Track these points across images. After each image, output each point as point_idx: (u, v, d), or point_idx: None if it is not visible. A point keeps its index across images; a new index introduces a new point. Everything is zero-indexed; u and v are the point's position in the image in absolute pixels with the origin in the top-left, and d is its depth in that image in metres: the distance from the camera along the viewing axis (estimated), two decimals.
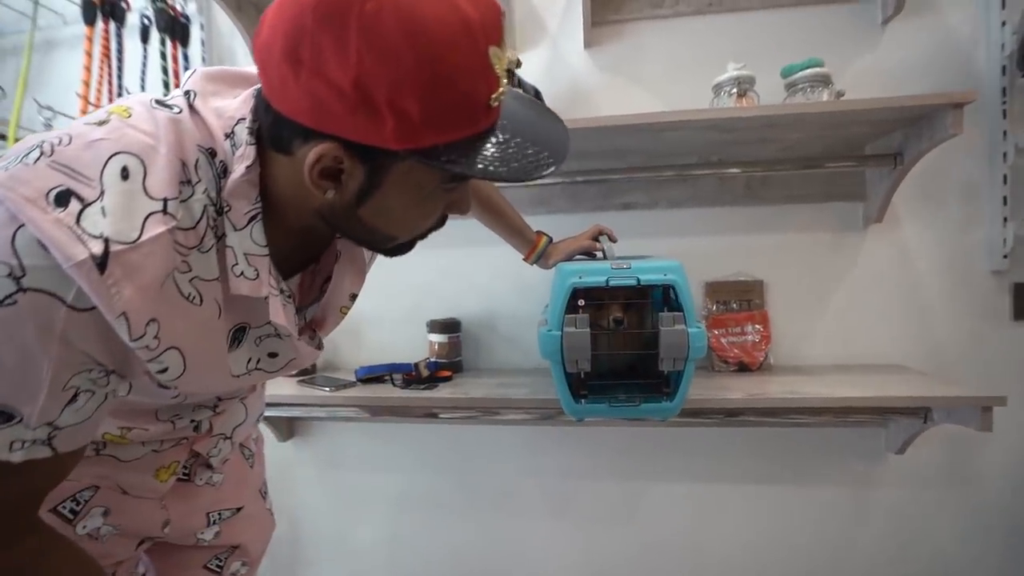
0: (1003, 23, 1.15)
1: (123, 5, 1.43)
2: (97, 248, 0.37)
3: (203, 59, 1.52)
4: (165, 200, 0.41)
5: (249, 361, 0.53)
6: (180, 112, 0.44)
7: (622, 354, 0.89)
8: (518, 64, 1.14)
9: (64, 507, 0.58)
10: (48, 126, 1.40)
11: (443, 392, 1.14)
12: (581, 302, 0.87)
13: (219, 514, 0.74)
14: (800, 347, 1.27)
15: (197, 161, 0.43)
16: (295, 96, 0.40)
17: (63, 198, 0.37)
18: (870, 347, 1.25)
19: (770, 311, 1.26)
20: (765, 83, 1.13)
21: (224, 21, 1.49)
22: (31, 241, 0.37)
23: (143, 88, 1.43)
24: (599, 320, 0.93)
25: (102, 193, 0.38)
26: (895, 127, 1.10)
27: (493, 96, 0.42)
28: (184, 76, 0.52)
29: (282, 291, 0.51)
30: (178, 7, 1.45)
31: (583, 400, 0.91)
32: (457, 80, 0.39)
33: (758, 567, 1.32)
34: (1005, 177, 1.17)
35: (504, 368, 1.36)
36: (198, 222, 0.43)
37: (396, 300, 1.39)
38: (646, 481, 1.35)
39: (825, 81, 1.09)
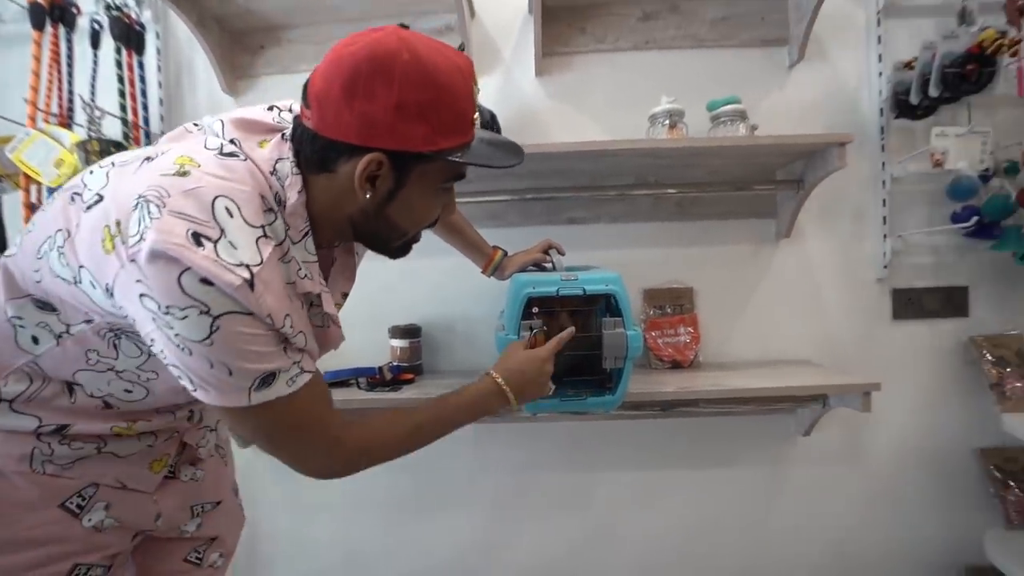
0: (880, 73, 1.38)
1: (73, 10, 1.41)
2: (245, 274, 0.50)
3: (159, 68, 1.51)
4: (263, 227, 0.54)
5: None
6: (245, 159, 0.56)
7: (570, 355, 1.01)
8: (477, 89, 1.24)
9: (71, 503, 0.63)
10: None
11: (406, 394, 1.23)
12: (535, 309, 0.98)
13: (202, 507, 0.81)
14: (725, 346, 1.45)
15: (272, 194, 0.57)
16: (347, 121, 0.55)
17: (197, 238, 0.49)
18: (781, 344, 1.44)
19: (699, 314, 1.43)
20: (693, 114, 1.29)
21: (182, 30, 1.48)
22: (194, 281, 0.48)
23: (93, 95, 1.39)
24: (550, 325, 1.05)
25: (223, 231, 0.50)
26: (797, 158, 1.29)
27: (475, 115, 0.62)
28: (210, 121, 0.61)
29: (321, 281, 0.63)
30: (133, 15, 1.45)
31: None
32: (457, 103, 0.58)
33: (694, 543, 1.48)
34: (884, 201, 1.39)
35: (462, 369, 1.45)
36: (282, 241, 0.57)
37: (359, 307, 1.41)
38: (594, 471, 1.48)
39: (742, 116, 1.27)
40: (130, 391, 0.64)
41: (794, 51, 1.40)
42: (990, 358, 1.39)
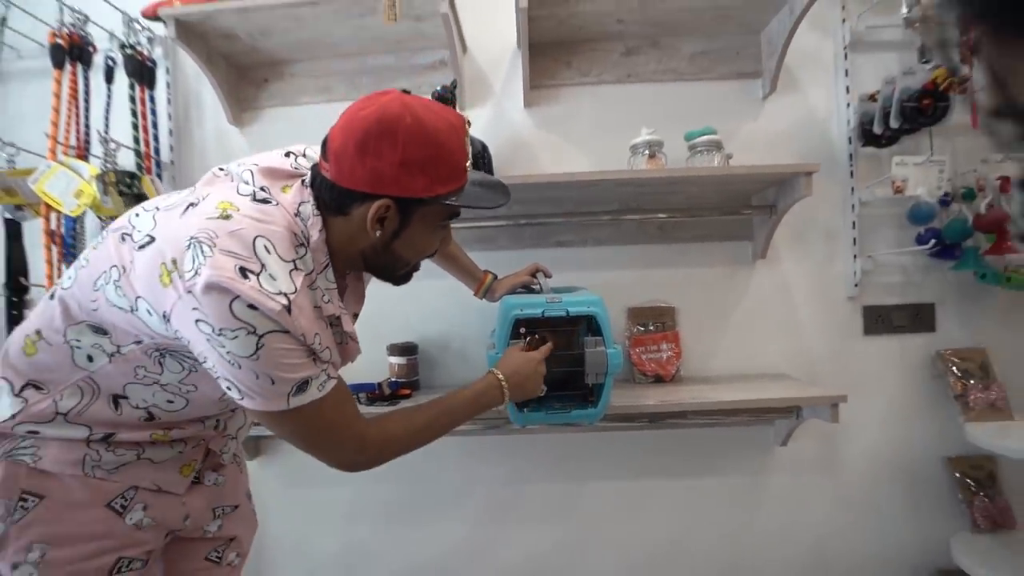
0: (848, 104, 1.47)
1: (90, 49, 1.51)
2: (284, 301, 0.60)
3: (168, 101, 1.60)
4: (294, 260, 0.64)
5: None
6: (276, 204, 0.66)
7: (555, 371, 1.09)
8: (468, 124, 1.33)
9: (116, 503, 0.73)
10: (11, 163, 1.44)
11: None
12: (522, 329, 1.06)
13: (222, 509, 0.89)
14: (705, 361, 1.53)
15: (299, 231, 0.66)
16: (360, 174, 0.65)
17: (244, 272, 0.58)
18: (759, 359, 1.52)
19: (681, 331, 1.51)
20: (672, 143, 1.38)
21: (191, 66, 1.57)
22: (243, 307, 0.58)
23: (107, 128, 1.47)
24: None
25: (263, 265, 0.60)
26: (770, 185, 1.38)
27: (468, 164, 0.72)
28: (238, 170, 0.70)
29: (341, 306, 0.73)
30: (145, 52, 1.54)
31: (525, 410, 1.10)
32: (452, 156, 0.69)
33: (676, 550, 1.55)
34: (854, 223, 1.48)
35: (457, 384, 1.50)
36: (310, 272, 0.67)
37: (360, 327, 1.49)
38: (580, 481, 1.56)
39: (718, 146, 1.36)
40: (172, 401, 0.73)
41: (767, 83, 1.50)
42: (955, 371, 1.47)
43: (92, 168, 1.32)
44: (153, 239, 0.64)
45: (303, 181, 0.70)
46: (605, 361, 1.05)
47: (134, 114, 1.50)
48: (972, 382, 1.46)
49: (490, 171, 1.40)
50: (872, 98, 1.41)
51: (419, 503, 1.56)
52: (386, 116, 0.64)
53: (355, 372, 1.47)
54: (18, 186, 1.38)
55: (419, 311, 1.53)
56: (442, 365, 1.55)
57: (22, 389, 0.70)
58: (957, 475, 1.49)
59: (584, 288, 1.28)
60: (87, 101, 1.48)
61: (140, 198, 1.43)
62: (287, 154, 0.75)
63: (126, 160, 1.47)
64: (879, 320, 1.52)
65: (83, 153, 1.46)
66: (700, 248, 1.53)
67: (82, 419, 0.70)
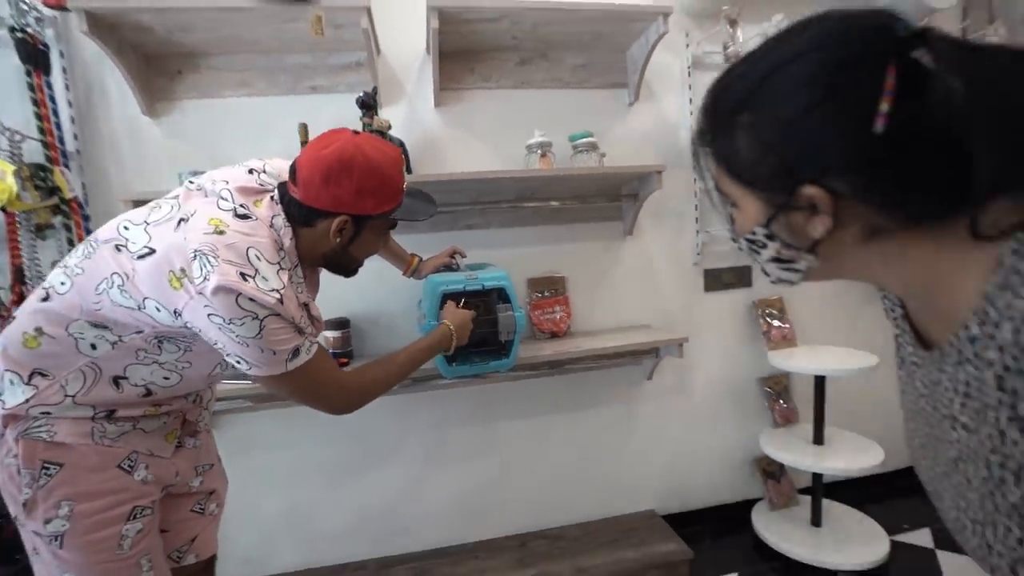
0: (691, 112, 1.89)
1: None
2: (277, 295, 0.79)
3: (66, 87, 1.56)
4: (278, 263, 0.82)
5: None
6: (256, 220, 0.83)
7: (476, 332, 1.37)
8: (388, 127, 1.53)
9: (124, 464, 0.88)
10: None
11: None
12: (448, 301, 1.33)
13: (203, 467, 1.07)
14: (589, 318, 1.92)
15: (274, 243, 0.83)
16: (324, 199, 0.86)
17: (243, 276, 0.75)
18: (629, 314, 1.94)
19: (570, 296, 1.87)
20: (558, 143, 1.70)
21: (88, 50, 1.55)
22: (247, 300, 0.76)
23: None
24: None
25: (257, 270, 0.78)
26: (634, 179, 1.76)
27: (404, 186, 0.94)
28: (213, 188, 0.86)
29: (309, 293, 0.96)
30: (36, 35, 1.49)
31: (453, 364, 1.38)
32: (394, 183, 0.90)
33: (575, 469, 1.96)
34: (696, 206, 1.93)
35: (385, 352, 1.75)
36: (289, 270, 0.85)
37: None
38: (497, 422, 1.89)
39: (594, 147, 1.70)
40: (168, 378, 0.90)
41: (632, 93, 1.86)
42: (763, 315, 2.01)
43: (4, 164, 1.32)
44: (153, 250, 0.79)
45: (272, 197, 0.87)
46: (514, 323, 1.36)
47: (35, 103, 1.47)
48: (774, 322, 2.01)
49: (408, 166, 1.62)
50: None
51: (358, 457, 1.79)
52: (344, 156, 0.84)
53: None
54: None
55: (350, 290, 1.70)
56: (372, 337, 1.77)
57: (30, 377, 0.82)
58: (766, 389, 2.06)
59: (492, 264, 1.57)
60: None
61: (53, 191, 1.45)
62: (250, 171, 0.91)
63: (30, 150, 1.45)
64: (714, 280, 2.01)
65: None
66: (583, 228, 1.88)
67: (87, 400, 0.84)
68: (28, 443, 0.82)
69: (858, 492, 2.10)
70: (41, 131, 1.48)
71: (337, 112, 1.64)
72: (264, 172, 0.93)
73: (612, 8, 1.59)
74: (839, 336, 2.08)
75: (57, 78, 1.54)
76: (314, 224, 0.88)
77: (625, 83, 1.87)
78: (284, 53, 1.64)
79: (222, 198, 0.84)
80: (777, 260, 0.49)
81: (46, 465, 0.82)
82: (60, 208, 1.47)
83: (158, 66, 1.61)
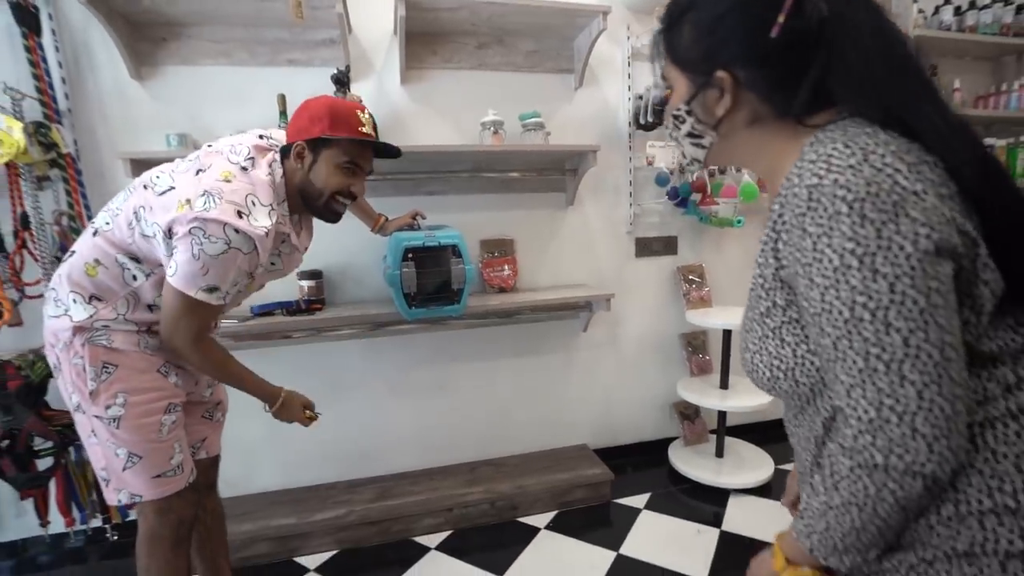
0: (629, 99, 2.15)
1: None
2: (264, 230, 0.99)
3: (56, 48, 1.69)
4: (271, 204, 1.03)
5: (274, 263, 1.16)
6: (257, 171, 1.05)
7: (433, 282, 1.63)
8: (363, 105, 1.73)
9: (161, 369, 1.13)
10: None
11: (319, 316, 1.75)
12: (410, 255, 1.58)
13: (212, 381, 1.31)
14: (534, 276, 2.20)
15: (271, 185, 1.05)
16: (291, 132, 1.10)
17: (239, 214, 0.96)
18: (569, 275, 2.24)
19: (518, 256, 2.14)
20: (509, 122, 1.94)
21: (76, 11, 1.67)
22: (232, 230, 0.96)
23: None
24: (420, 265, 1.65)
25: (251, 212, 0.98)
26: (575, 155, 2.02)
27: (361, 127, 1.10)
28: (238, 148, 1.07)
29: (292, 229, 1.15)
30: None
31: (412, 307, 1.64)
32: (343, 112, 1.08)
33: (517, 407, 2.26)
34: (630, 182, 2.21)
35: (354, 300, 2.00)
36: (279, 204, 1.07)
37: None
38: (451, 364, 2.17)
39: (541, 126, 1.95)
40: None
41: (577, 79, 2.11)
42: (685, 279, 2.34)
43: (11, 120, 1.47)
44: (173, 188, 1.02)
45: (274, 153, 1.11)
46: (464, 274, 1.63)
47: (31, 64, 1.60)
48: (693, 286, 2.34)
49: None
50: (640, 98, 2.10)
51: (329, 392, 2.03)
52: (308, 101, 1.09)
53: (274, 293, 1.89)
54: None
55: (323, 244, 1.93)
56: (341, 287, 2.00)
57: (90, 299, 1.06)
58: (685, 343, 2.41)
59: (449, 226, 1.82)
60: None
61: (51, 147, 1.60)
62: (260, 136, 1.14)
63: (29, 109, 1.60)
64: (644, 247, 2.31)
65: None
66: (531, 197, 2.15)
67: (133, 318, 1.08)
68: (92, 348, 1.06)
69: (760, 435, 2.49)
70: (38, 90, 1.62)
71: (312, 84, 1.82)
72: (271, 138, 1.16)
73: (557, 4, 1.82)
74: None
75: (47, 40, 1.67)
76: (288, 155, 1.10)
77: (572, 69, 2.11)
78: (261, 27, 1.81)
79: (235, 152, 1.06)
80: (691, 135, 0.63)
81: (106, 365, 1.06)
82: (57, 162, 1.62)
83: (143, 32, 1.75)
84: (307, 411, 1.29)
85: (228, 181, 1.00)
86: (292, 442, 2.04)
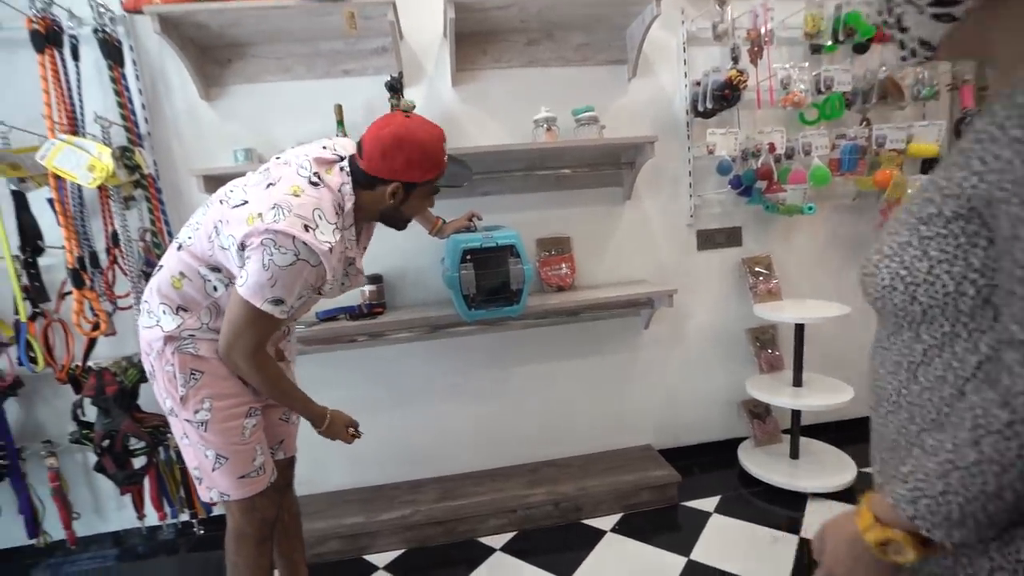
0: (685, 86, 2.07)
1: (56, 28, 1.68)
2: (328, 245, 1.02)
3: (137, 77, 1.82)
4: (335, 223, 1.06)
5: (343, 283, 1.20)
6: (325, 187, 1.07)
7: (492, 283, 1.63)
8: (413, 107, 1.76)
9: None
10: (4, 140, 1.64)
11: (381, 320, 1.79)
12: (468, 257, 1.58)
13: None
14: (592, 274, 2.15)
15: (339, 203, 1.07)
16: (383, 169, 1.09)
17: (306, 228, 0.99)
18: (628, 271, 2.17)
19: (575, 254, 2.10)
20: (563, 117, 1.90)
21: (152, 42, 1.80)
22: (301, 243, 0.99)
23: (81, 103, 1.70)
24: (478, 266, 1.65)
25: (317, 225, 1.01)
26: (631, 148, 1.96)
27: (445, 158, 1.15)
28: (299, 161, 1.10)
29: (358, 253, 1.19)
30: (112, 33, 1.74)
31: (471, 309, 1.64)
32: (436, 156, 1.12)
33: (577, 410, 2.23)
34: (689, 173, 2.12)
35: (414, 304, 2.03)
36: (343, 229, 1.08)
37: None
38: (511, 367, 2.16)
39: (595, 120, 1.90)
40: None
41: (630, 69, 2.04)
42: (751, 271, 2.22)
43: (100, 146, 1.58)
44: (247, 202, 1.06)
45: (341, 167, 1.13)
46: (523, 274, 1.61)
47: (117, 93, 1.73)
48: (761, 278, 2.21)
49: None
50: (698, 84, 2.01)
51: (393, 395, 2.08)
52: (397, 136, 1.07)
53: (338, 299, 1.94)
54: (22, 162, 1.62)
55: (382, 249, 1.97)
56: (401, 290, 2.03)
57: (177, 310, 1.12)
58: (753, 338, 2.29)
59: (505, 226, 1.81)
60: (68, 82, 1.68)
61: (135, 169, 1.72)
62: (323, 147, 1.16)
63: (115, 135, 1.72)
64: (706, 239, 2.21)
65: (73, 129, 1.68)
66: (586, 193, 2.10)
67: (215, 327, 1.13)
68: (181, 355, 1.12)
69: (837, 434, 2.33)
70: (122, 117, 1.74)
71: (367, 93, 1.88)
72: (334, 148, 1.18)
73: None
74: (823, 292, 2.28)
75: (128, 70, 1.80)
76: (374, 188, 1.12)
77: (624, 59, 2.05)
78: (318, 41, 1.86)
79: (302, 167, 1.10)
80: (939, 2, 0.51)
81: (193, 372, 1.13)
82: (140, 183, 1.74)
83: (211, 55, 1.85)
84: (350, 429, 1.35)
85: (296, 195, 1.03)
86: (357, 443, 2.09)
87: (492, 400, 2.17)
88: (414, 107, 1.76)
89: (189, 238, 1.12)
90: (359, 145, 1.12)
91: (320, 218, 1.04)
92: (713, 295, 2.26)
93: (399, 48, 1.86)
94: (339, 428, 1.32)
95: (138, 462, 1.81)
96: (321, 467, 2.08)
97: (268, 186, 1.06)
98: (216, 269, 1.11)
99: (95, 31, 1.69)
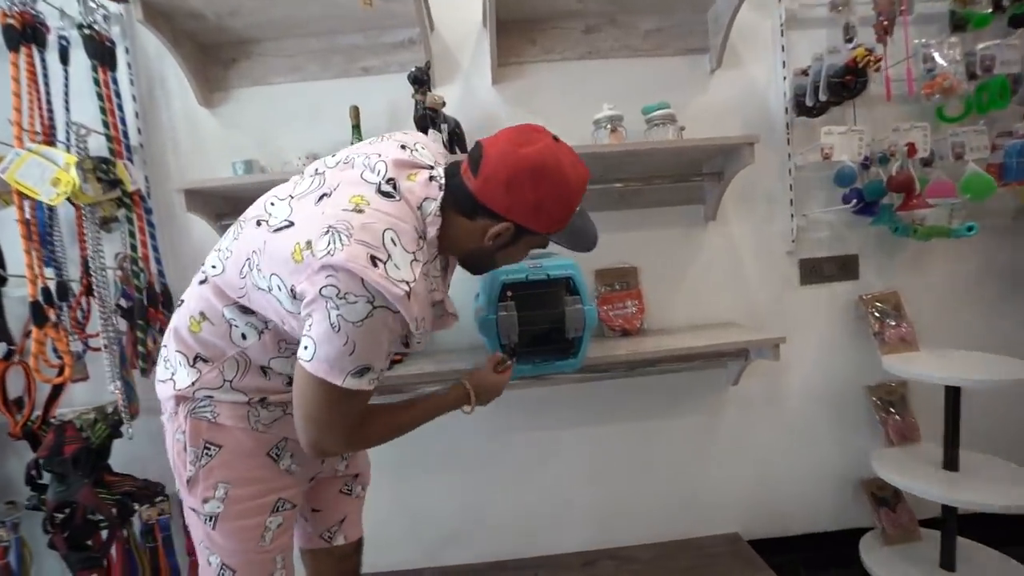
0: (784, 78, 1.63)
1: (42, 29, 1.45)
2: (405, 288, 0.69)
3: (131, 82, 1.58)
4: (414, 252, 0.73)
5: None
6: (400, 199, 0.75)
7: (537, 328, 1.22)
8: (442, 104, 1.41)
9: (272, 452, 0.88)
10: None
11: (398, 371, 1.41)
12: (509, 293, 1.18)
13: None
14: (665, 314, 1.70)
15: (419, 226, 0.76)
16: (500, 200, 0.77)
17: (373, 260, 0.67)
18: (711, 310, 1.71)
19: (643, 288, 1.67)
20: (630, 117, 1.51)
21: (151, 44, 1.56)
22: (373, 287, 0.67)
23: (68, 111, 1.45)
24: (523, 306, 1.25)
25: (389, 256, 0.69)
26: (718, 154, 1.53)
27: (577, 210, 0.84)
28: (369, 162, 0.79)
29: (443, 289, 0.87)
30: (102, 32, 1.51)
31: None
32: (571, 208, 0.81)
33: (646, 483, 1.75)
34: (791, 186, 1.67)
35: (440, 350, 1.64)
36: (425, 262, 0.76)
37: None
38: (560, 429, 1.72)
39: (672, 119, 1.49)
40: None
41: (713, 59, 1.64)
42: (874, 312, 1.71)
43: (69, 156, 1.31)
44: (292, 223, 0.73)
45: (431, 176, 0.79)
46: (583, 317, 1.19)
47: (100, 98, 1.48)
48: (887, 321, 1.70)
49: (463, 147, 1.49)
50: (804, 73, 1.57)
51: (413, 462, 1.69)
52: (538, 165, 0.75)
53: None
54: None
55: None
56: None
57: (194, 361, 0.83)
58: (875, 399, 1.75)
59: (555, 254, 1.41)
60: (47, 84, 1.44)
61: (115, 184, 1.44)
62: (403, 147, 0.83)
63: (95, 145, 1.46)
64: (812, 271, 1.74)
65: (49, 139, 1.43)
66: (657, 213, 1.68)
67: (242, 385, 0.83)
68: (194, 422, 0.84)
69: (993, 529, 1.74)
70: (105, 125, 1.48)
71: (388, 95, 1.56)
72: (417, 150, 0.84)
73: None
74: (971, 340, 1.73)
75: (122, 74, 1.56)
76: (475, 218, 0.80)
77: (706, 47, 1.65)
78: (334, 34, 1.57)
79: (370, 170, 0.78)
80: None
81: (208, 445, 0.84)
82: (123, 201, 1.46)
83: (213, 55, 1.59)
84: (497, 367, 1.07)
85: (360, 211, 0.71)
86: (367, 522, 1.69)
87: (534, 471, 1.73)
88: (443, 104, 1.41)
89: (214, 267, 0.82)
90: (475, 157, 0.78)
91: (394, 243, 0.71)
92: (821, 342, 1.76)
93: (428, 39, 1.53)
94: (491, 386, 1.05)
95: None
96: None
97: (321, 198, 0.75)
98: (247, 311, 0.79)
99: (80, 27, 1.45)
